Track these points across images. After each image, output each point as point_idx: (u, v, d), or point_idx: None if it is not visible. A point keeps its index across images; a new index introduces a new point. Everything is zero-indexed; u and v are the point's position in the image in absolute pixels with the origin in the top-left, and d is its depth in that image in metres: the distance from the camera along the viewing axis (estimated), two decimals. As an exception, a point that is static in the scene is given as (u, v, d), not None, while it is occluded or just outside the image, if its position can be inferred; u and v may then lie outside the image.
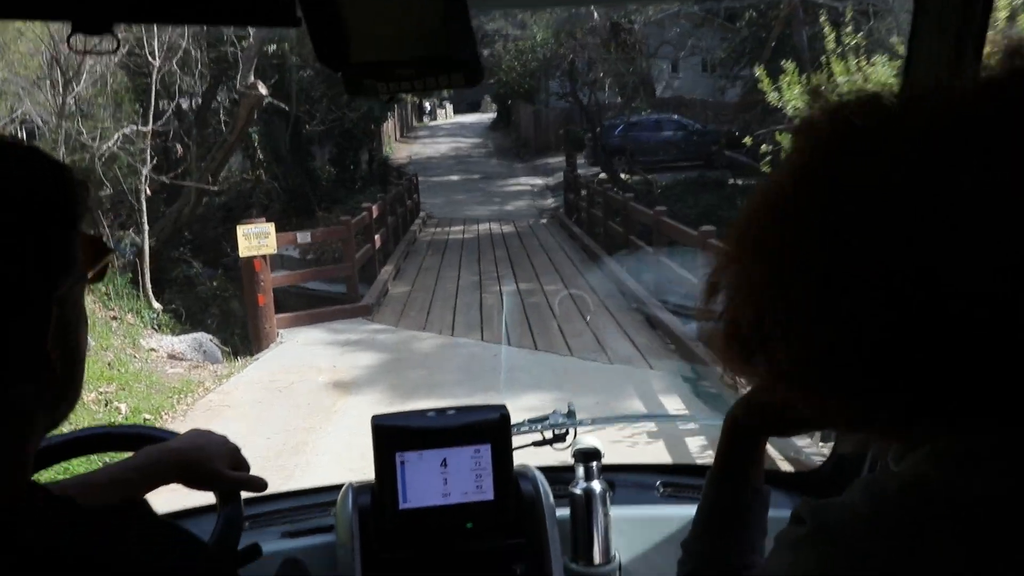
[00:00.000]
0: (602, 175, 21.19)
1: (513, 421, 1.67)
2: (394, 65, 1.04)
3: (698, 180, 18.99)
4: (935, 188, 0.58)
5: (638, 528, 1.74)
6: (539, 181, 25.73)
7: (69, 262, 0.69)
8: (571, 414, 1.88)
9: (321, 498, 1.85)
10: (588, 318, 9.89)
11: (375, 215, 12.94)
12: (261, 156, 24.94)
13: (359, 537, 1.57)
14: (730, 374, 0.74)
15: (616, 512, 1.68)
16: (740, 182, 17.91)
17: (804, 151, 0.67)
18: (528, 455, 1.81)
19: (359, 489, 1.65)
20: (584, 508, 1.65)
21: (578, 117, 32.01)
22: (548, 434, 1.86)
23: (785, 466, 4.85)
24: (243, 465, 1.24)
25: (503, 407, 1.64)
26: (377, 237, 13.15)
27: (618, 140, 22.95)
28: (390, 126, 36.39)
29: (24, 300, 0.65)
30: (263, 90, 11.51)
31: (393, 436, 1.58)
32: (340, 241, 11.37)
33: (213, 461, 1.19)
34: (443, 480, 1.59)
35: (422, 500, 1.58)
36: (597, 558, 1.66)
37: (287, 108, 22.26)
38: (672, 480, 1.89)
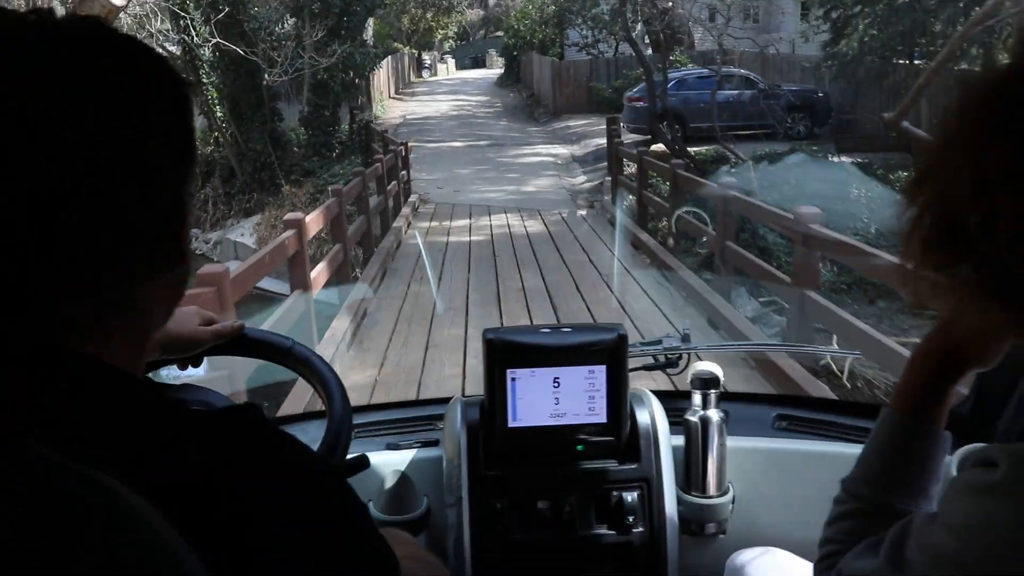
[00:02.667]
0: (656, 145, 16.05)
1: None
2: None
3: (793, 156, 13.83)
4: None
5: (752, 460, 1.67)
6: (563, 150, 20.52)
7: (195, 156, 0.68)
8: (686, 338, 1.80)
9: (428, 410, 1.83)
10: None
11: (332, 214, 7.85)
12: (220, 114, 20.02)
13: (467, 453, 1.55)
14: (920, 286, 0.67)
15: (730, 443, 1.63)
16: (864, 161, 12.90)
17: None
18: (642, 381, 1.73)
19: (468, 404, 1.62)
20: (700, 437, 1.60)
21: (603, 71, 26.89)
22: (661, 359, 1.78)
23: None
24: (212, 320, 1.21)
25: (620, 326, 1.57)
26: (337, 251, 8.00)
27: (672, 100, 17.80)
28: (382, 80, 31.23)
29: (168, 198, 0.64)
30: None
31: (505, 352, 1.53)
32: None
33: (186, 326, 1.16)
34: (555, 400, 1.54)
35: (532, 419, 1.55)
36: (711, 489, 1.61)
37: (242, 51, 17.18)
38: (787, 412, 1.83)
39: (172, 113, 0.65)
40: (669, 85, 18.50)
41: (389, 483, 1.55)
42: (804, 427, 1.77)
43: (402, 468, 1.59)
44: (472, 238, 11.26)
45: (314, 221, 7.21)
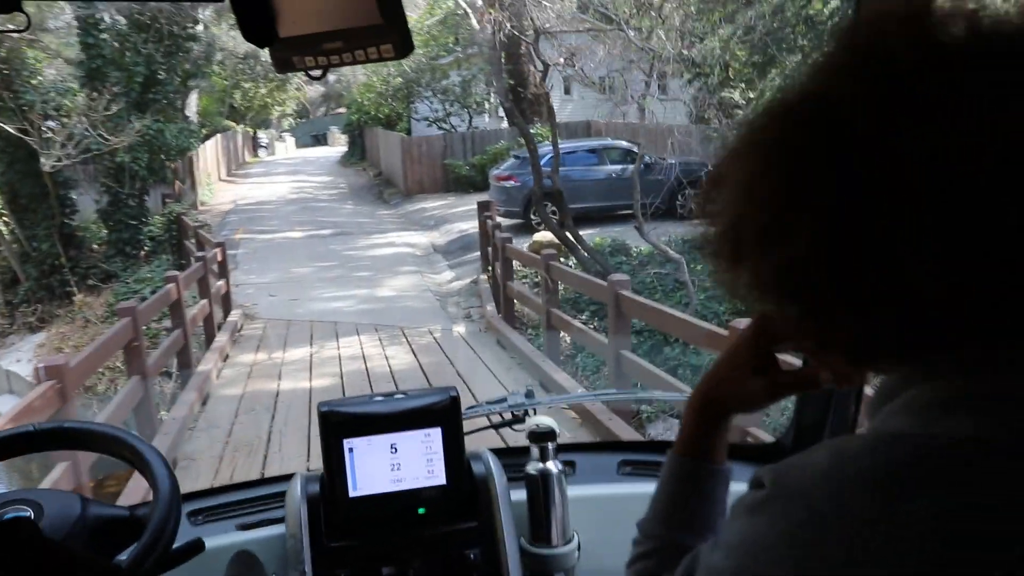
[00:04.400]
0: (539, 233, 13.38)
1: (470, 404, 1.68)
2: (322, 39, 1.00)
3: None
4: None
5: (598, 507, 1.72)
6: (421, 238, 17.60)
7: None
8: (529, 394, 1.84)
9: (274, 488, 1.80)
10: None
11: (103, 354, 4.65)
12: (-2, 204, 16.19)
13: (307, 527, 1.55)
14: (719, 277, 0.72)
15: (575, 492, 1.67)
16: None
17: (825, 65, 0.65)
18: (491, 438, 1.85)
19: (308, 478, 1.62)
20: (540, 489, 1.64)
21: (458, 147, 24.42)
22: (507, 416, 1.82)
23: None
24: None
25: (453, 388, 1.61)
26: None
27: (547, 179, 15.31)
28: (209, 161, 27.68)
29: None
30: None
31: (340, 423, 1.54)
32: None
33: None
34: (393, 466, 1.56)
35: (372, 487, 1.56)
36: (555, 539, 1.65)
37: (13, 130, 13.57)
38: (631, 458, 1.89)
39: None
40: (546, 161, 16.07)
41: (235, 565, 1.49)
42: (647, 470, 1.84)
43: (250, 548, 1.55)
44: (314, 383, 7.92)
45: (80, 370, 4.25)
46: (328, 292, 12.83)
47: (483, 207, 12.33)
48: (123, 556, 1.19)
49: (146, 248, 16.32)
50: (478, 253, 14.27)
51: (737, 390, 0.92)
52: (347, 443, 1.54)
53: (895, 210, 0.58)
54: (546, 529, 1.64)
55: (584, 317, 9.27)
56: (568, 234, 11.52)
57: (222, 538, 1.58)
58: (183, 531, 1.24)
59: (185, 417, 6.21)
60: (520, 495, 1.66)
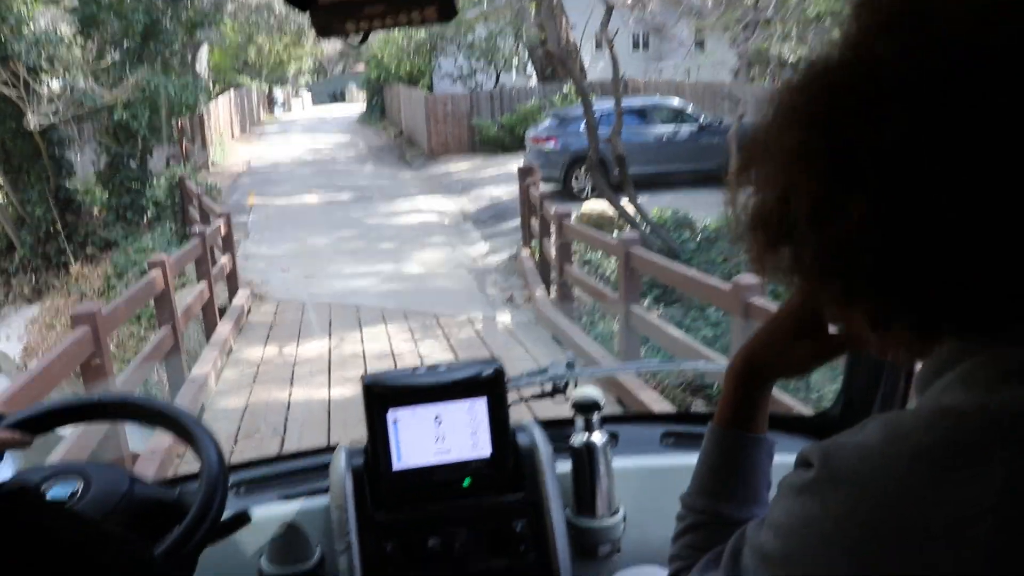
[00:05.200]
0: (589, 203, 11.81)
1: (511, 375, 1.65)
2: (363, 3, 0.98)
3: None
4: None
5: (642, 479, 1.71)
6: (449, 204, 16.06)
7: None
8: (570, 365, 1.82)
9: (317, 460, 1.80)
10: None
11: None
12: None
13: (353, 498, 1.55)
14: (756, 264, 0.71)
15: (619, 463, 1.66)
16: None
17: (859, 26, 0.62)
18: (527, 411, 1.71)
19: (353, 450, 1.62)
20: (585, 461, 1.62)
21: (485, 106, 22.74)
22: (548, 387, 1.81)
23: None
24: None
25: (497, 361, 1.60)
26: None
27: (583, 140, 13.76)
28: (222, 119, 26.20)
29: None
30: None
31: (384, 394, 1.54)
32: None
33: None
34: (438, 437, 1.55)
35: (417, 459, 1.55)
36: (600, 510, 1.63)
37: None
38: (673, 429, 1.88)
39: None
40: (581, 125, 14.47)
41: (280, 535, 1.51)
42: (689, 442, 1.81)
43: (294, 519, 1.55)
44: (334, 393, 6.28)
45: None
46: (348, 267, 11.35)
47: (525, 173, 10.77)
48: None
49: (149, 214, 14.88)
50: (514, 223, 12.77)
51: (780, 355, 0.91)
52: (391, 415, 1.53)
53: (952, 178, 0.55)
54: (591, 500, 1.63)
55: (660, 309, 7.75)
56: (630, 206, 9.95)
57: (265, 509, 1.56)
58: (229, 504, 1.19)
59: (168, 449, 4.75)
60: (564, 467, 1.64)
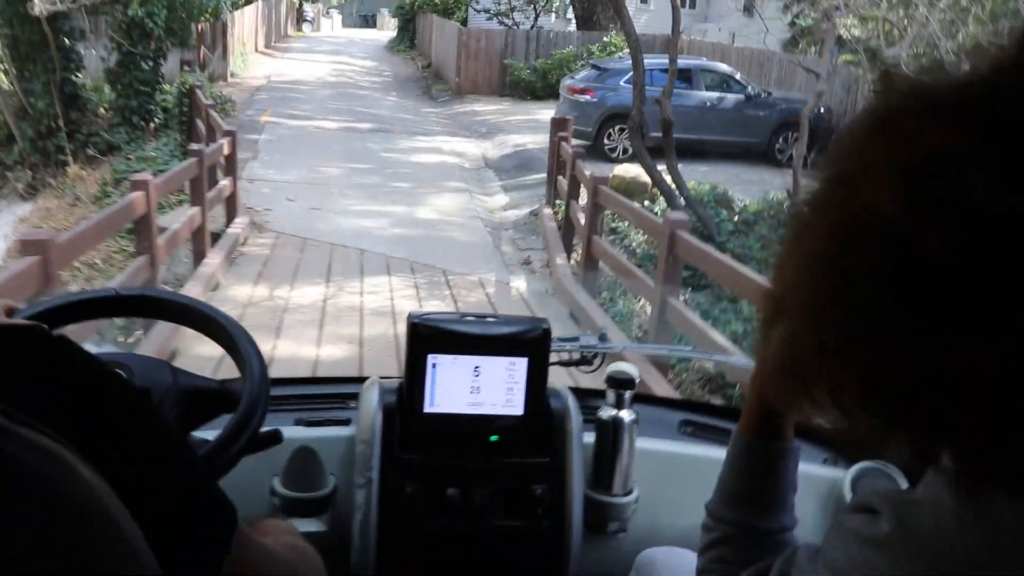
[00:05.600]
0: (621, 167, 11.01)
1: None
2: None
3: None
4: None
5: (657, 462, 1.69)
6: (471, 147, 15.23)
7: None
8: (603, 337, 1.82)
9: (340, 388, 1.79)
10: None
11: None
12: (-1, 53, 13.94)
13: (381, 435, 1.53)
14: (790, 405, 0.70)
15: (637, 444, 1.63)
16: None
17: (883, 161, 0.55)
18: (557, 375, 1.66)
19: (385, 387, 1.60)
20: (611, 436, 1.60)
21: (520, 47, 21.72)
22: (576, 355, 1.80)
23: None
24: (12, 309, 1.12)
25: (545, 320, 1.58)
26: None
27: (622, 99, 12.93)
28: (246, 29, 25.21)
29: None
30: None
31: (428, 336, 1.52)
32: None
33: None
34: (473, 388, 1.54)
35: (449, 406, 1.54)
36: (616, 488, 1.62)
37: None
38: (693, 419, 1.86)
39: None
40: (622, 79, 13.60)
41: (296, 459, 1.51)
42: (707, 434, 1.80)
43: (311, 445, 1.53)
44: (322, 352, 5.63)
45: None
46: (358, 204, 10.60)
47: (558, 125, 9.98)
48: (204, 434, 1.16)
49: (156, 120, 14.10)
50: (538, 176, 12.01)
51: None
52: (431, 358, 1.51)
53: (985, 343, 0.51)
54: (609, 476, 1.61)
55: (687, 294, 7.02)
56: (669, 177, 9.16)
57: (286, 430, 1.37)
58: None
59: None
60: (589, 438, 1.63)
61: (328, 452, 1.54)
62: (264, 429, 1.17)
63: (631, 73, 13.67)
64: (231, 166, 8.64)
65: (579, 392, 1.74)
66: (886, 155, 0.54)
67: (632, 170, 10.51)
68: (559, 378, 1.68)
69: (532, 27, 24.16)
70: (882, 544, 0.60)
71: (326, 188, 11.21)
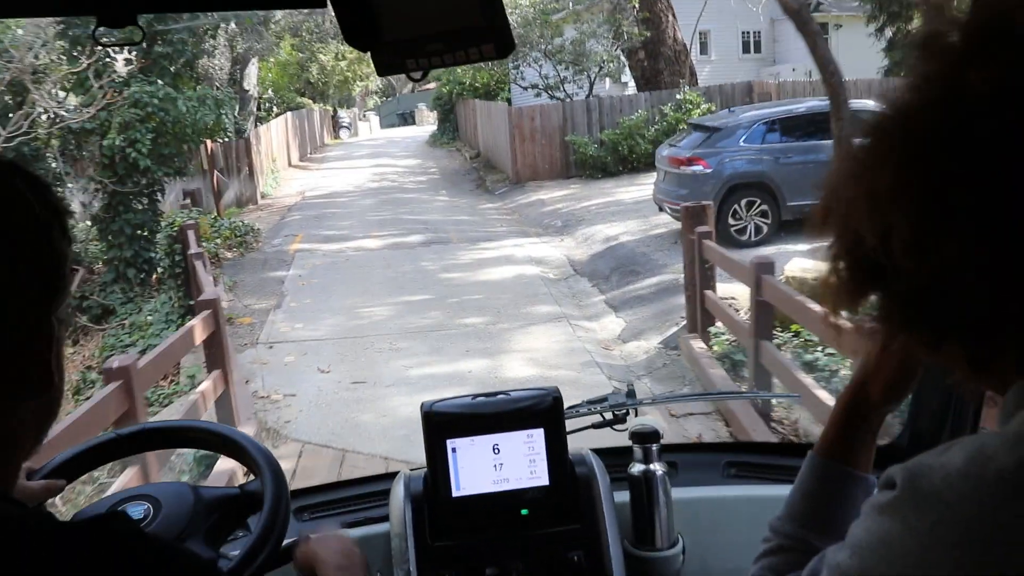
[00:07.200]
0: (793, 263, 7.76)
1: (570, 403, 1.63)
2: (424, 41, 1.02)
3: None
4: None
5: (703, 509, 1.67)
6: (551, 250, 12.08)
7: (64, 277, 0.68)
8: (631, 393, 1.79)
9: (376, 486, 1.79)
10: None
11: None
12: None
13: (412, 526, 1.53)
14: (843, 334, 0.68)
15: (679, 494, 1.62)
16: None
17: (937, 57, 0.60)
18: (592, 437, 1.69)
19: (412, 477, 1.61)
20: (643, 491, 1.58)
21: (581, 119, 18.76)
22: (608, 415, 1.77)
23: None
24: (32, 471, 1.14)
25: (555, 389, 1.58)
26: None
27: (749, 162, 9.86)
28: (274, 144, 22.84)
29: (32, 319, 0.65)
30: None
31: (443, 422, 1.53)
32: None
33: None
34: (496, 466, 1.54)
35: (475, 487, 1.54)
36: (659, 542, 1.59)
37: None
38: (737, 459, 1.81)
39: (36, 233, 0.64)
40: (741, 139, 10.47)
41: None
42: (753, 472, 1.77)
43: None
44: None
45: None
46: (417, 364, 7.42)
47: (694, 216, 6.75)
48: (235, 551, 1.15)
49: (160, 269, 11.31)
50: (651, 281, 9.03)
51: (892, 387, 0.90)
52: (450, 443, 1.52)
53: None
54: (650, 531, 1.59)
55: None
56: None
57: None
58: (290, 529, 1.18)
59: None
60: (623, 497, 1.62)
61: (371, 550, 1.49)
62: (295, 538, 1.17)
63: (751, 128, 10.52)
64: (216, 355, 5.54)
65: (609, 451, 1.72)
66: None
67: (804, 263, 7.23)
68: (583, 441, 1.66)
69: (588, 95, 21.30)
70: (894, 507, 0.60)
71: (371, 343, 8.08)
